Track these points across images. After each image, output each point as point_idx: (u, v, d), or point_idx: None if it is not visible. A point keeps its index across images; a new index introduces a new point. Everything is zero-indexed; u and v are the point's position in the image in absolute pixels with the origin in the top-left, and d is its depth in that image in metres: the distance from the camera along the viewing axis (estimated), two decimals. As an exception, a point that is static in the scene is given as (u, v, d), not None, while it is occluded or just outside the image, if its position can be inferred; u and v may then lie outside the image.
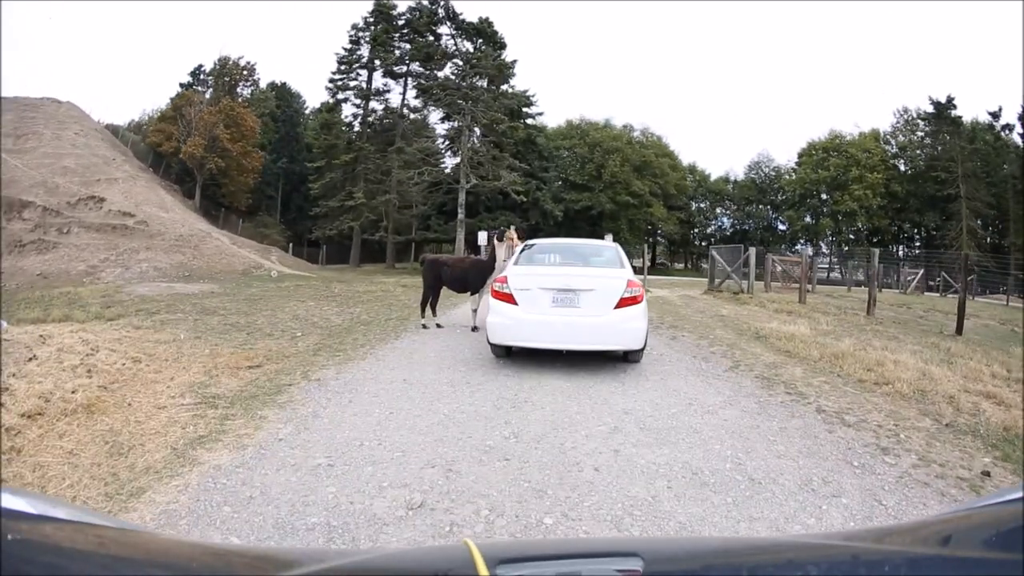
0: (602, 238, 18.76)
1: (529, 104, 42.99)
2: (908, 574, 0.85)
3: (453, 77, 37.93)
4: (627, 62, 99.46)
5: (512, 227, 24.85)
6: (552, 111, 75.66)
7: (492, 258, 10.42)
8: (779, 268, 24.18)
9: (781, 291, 23.03)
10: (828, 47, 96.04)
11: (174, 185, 42.75)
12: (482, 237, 18.97)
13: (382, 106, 43.93)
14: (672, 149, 57.18)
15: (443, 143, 40.35)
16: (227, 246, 29.78)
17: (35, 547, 0.79)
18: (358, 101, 44.02)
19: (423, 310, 10.70)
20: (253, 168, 46.66)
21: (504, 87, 40.25)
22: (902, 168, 53.48)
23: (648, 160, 52.35)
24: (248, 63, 52.32)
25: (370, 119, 43.68)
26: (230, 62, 51.26)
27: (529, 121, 43.74)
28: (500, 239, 10.66)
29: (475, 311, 10.52)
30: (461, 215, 35.32)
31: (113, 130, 45.32)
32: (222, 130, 43.43)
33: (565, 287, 7.12)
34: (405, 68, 42.34)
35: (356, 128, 43.52)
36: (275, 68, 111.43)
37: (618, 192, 49.93)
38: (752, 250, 19.92)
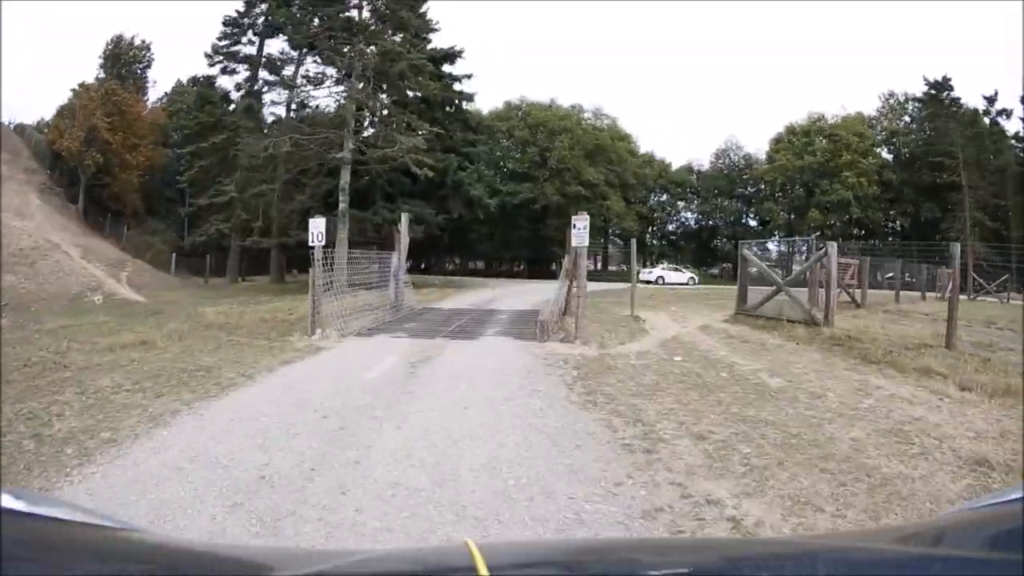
0: (572, 225, 10.02)
1: (453, 59, 32.65)
2: (908, 574, 0.84)
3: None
4: (571, 45, 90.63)
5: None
6: (486, 98, 65.40)
7: None
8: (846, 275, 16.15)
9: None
10: (797, 21, 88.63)
11: (57, 188, 38.31)
12: (316, 227, 10.05)
13: (276, 78, 34.30)
14: (629, 133, 49.54)
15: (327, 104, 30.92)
16: (68, 263, 27.27)
17: (35, 547, 0.80)
18: (245, 73, 34.35)
19: None
20: (138, 164, 39.59)
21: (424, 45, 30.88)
22: (888, 155, 48.94)
23: (602, 144, 44.43)
24: (143, 41, 45.29)
25: (261, 90, 34.08)
26: (123, 42, 44.51)
27: (456, 87, 33.59)
28: None
29: None
30: (343, 203, 25.67)
31: (20, 129, 42.28)
32: (100, 118, 36.31)
33: None
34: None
35: (239, 102, 34.00)
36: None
37: (567, 182, 42.17)
38: (832, 246, 11.45)
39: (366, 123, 28.71)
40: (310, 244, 10.25)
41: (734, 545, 1.44)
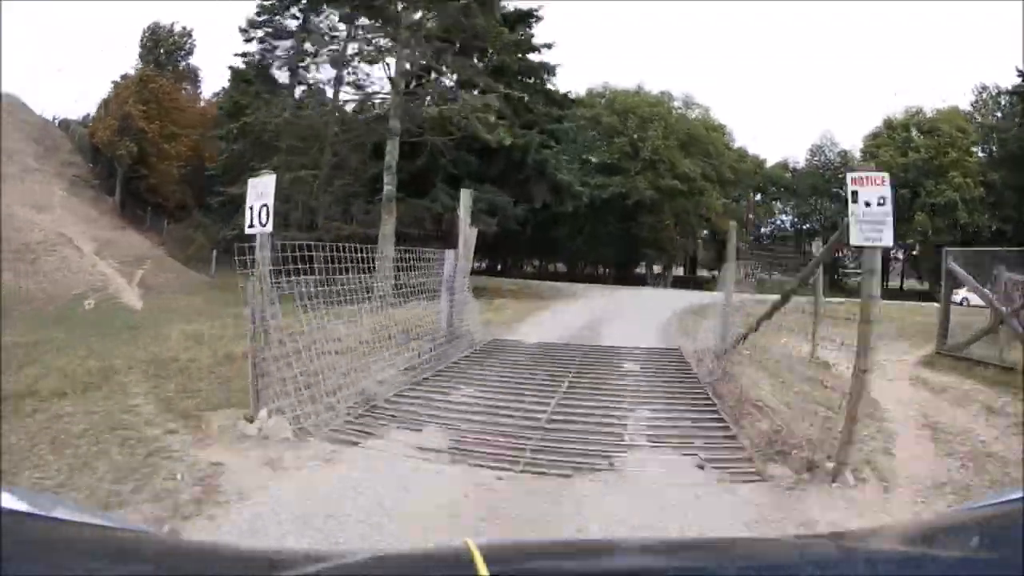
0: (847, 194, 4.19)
1: (528, 23, 26.91)
2: (909, 574, 0.85)
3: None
4: (652, 35, 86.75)
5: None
6: (564, 84, 60.36)
7: None
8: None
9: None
10: (885, 14, 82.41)
11: (93, 180, 38.10)
12: (256, 190, 4.81)
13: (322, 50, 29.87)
14: (723, 123, 45.60)
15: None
16: (76, 259, 26.08)
17: (35, 547, 0.80)
18: (286, 48, 30.03)
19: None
20: (178, 155, 38.07)
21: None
22: (982, 154, 44.48)
23: (696, 134, 40.42)
24: (184, 28, 43.66)
25: (306, 66, 29.97)
26: (161, 29, 42.97)
27: (533, 57, 27.62)
28: None
29: None
30: (389, 186, 20.57)
31: (65, 124, 43.10)
32: (132, 105, 35.23)
33: None
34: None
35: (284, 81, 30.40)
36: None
37: (660, 174, 38.15)
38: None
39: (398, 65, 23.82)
40: (247, 226, 4.87)
41: (735, 545, 1.34)
